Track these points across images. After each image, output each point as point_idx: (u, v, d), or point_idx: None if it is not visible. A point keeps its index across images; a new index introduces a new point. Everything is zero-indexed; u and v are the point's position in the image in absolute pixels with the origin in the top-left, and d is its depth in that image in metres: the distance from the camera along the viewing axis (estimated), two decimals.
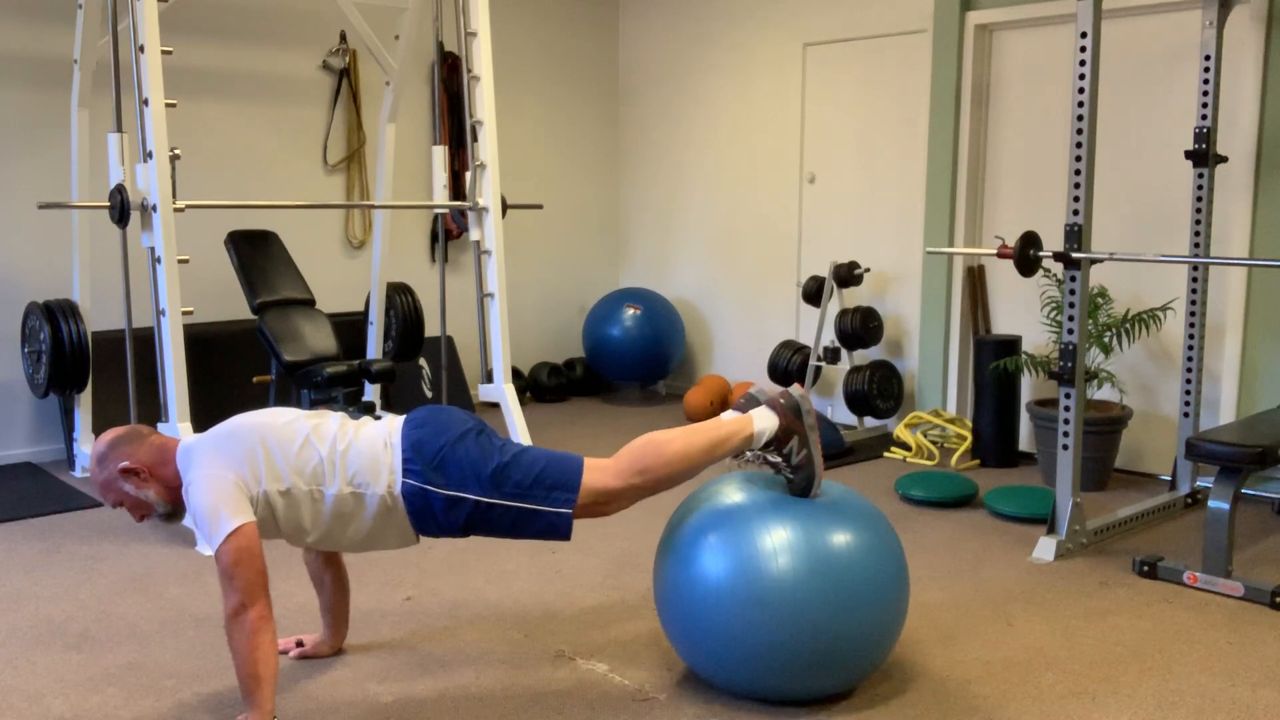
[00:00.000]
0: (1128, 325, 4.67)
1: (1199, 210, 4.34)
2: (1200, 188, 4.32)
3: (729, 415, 2.77)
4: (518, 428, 4.91)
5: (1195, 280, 4.42)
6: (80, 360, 4.73)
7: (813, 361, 5.81)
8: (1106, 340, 4.71)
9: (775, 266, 6.41)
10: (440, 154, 5.22)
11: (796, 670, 2.62)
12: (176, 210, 4.02)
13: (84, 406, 4.93)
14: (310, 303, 5.11)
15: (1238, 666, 2.97)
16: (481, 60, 4.92)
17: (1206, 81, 4.28)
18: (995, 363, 5.01)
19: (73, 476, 4.97)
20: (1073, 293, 3.82)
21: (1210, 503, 3.53)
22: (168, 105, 4.00)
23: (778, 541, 2.58)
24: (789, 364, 5.93)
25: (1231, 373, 4.67)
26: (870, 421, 5.86)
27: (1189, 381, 4.46)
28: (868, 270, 5.80)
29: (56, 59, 5.14)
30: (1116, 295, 4.85)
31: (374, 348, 5.62)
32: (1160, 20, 4.85)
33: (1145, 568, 3.65)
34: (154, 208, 4.00)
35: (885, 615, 2.67)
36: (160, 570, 3.73)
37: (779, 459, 2.74)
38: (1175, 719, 2.68)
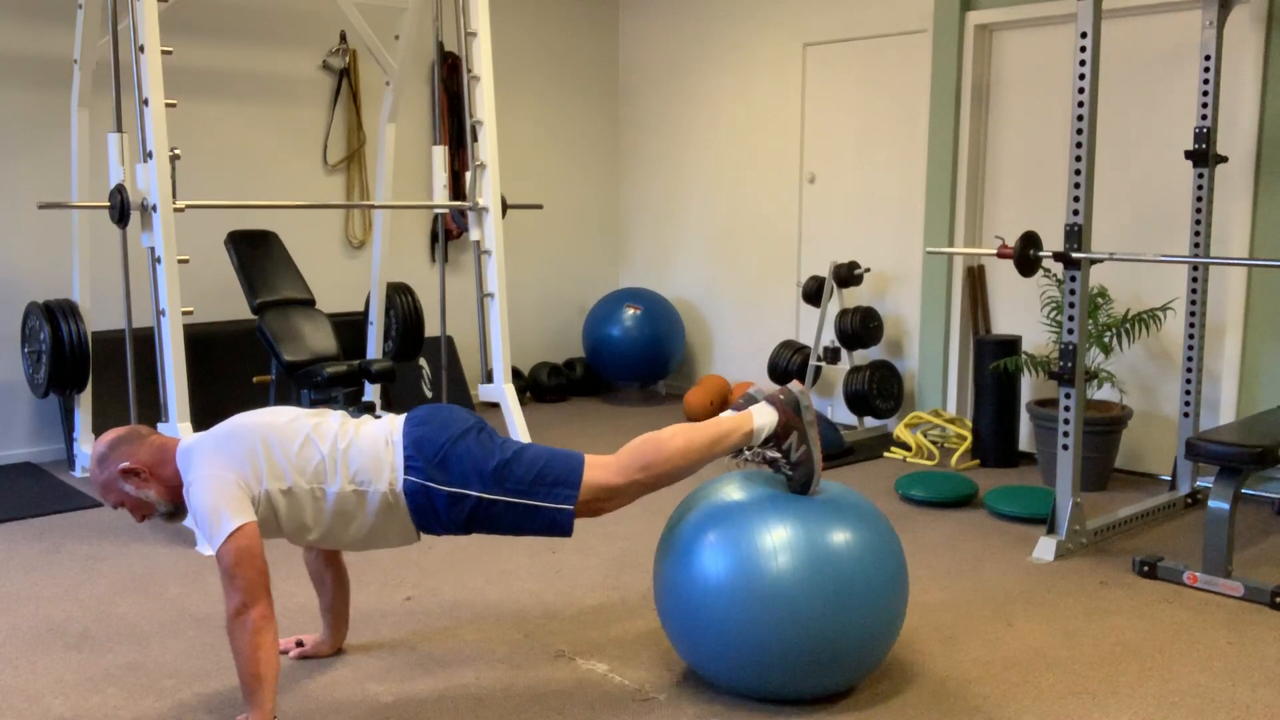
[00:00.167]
0: (1128, 325, 4.67)
1: (1199, 210, 4.34)
2: (1200, 188, 4.32)
3: (728, 414, 2.77)
4: (518, 428, 4.91)
5: (1195, 280, 4.42)
6: (80, 360, 4.73)
7: (813, 361, 5.81)
8: (1106, 340, 4.71)
9: (775, 266, 6.41)
10: (440, 154, 5.22)
11: (796, 669, 2.62)
12: (176, 210, 4.02)
13: (84, 406, 4.93)
14: (310, 303, 5.11)
15: (1238, 666, 2.97)
16: (481, 60, 4.92)
17: (1206, 81, 4.28)
18: (995, 363, 5.01)
19: (73, 476, 4.97)
20: (1073, 293, 3.82)
21: (1210, 503, 3.53)
22: (168, 105, 4.00)
23: (777, 540, 2.58)
24: (789, 364, 5.93)
25: (1231, 373, 4.67)
26: (870, 421, 5.86)
27: (1189, 381, 4.46)
28: (868, 270, 5.80)
29: (56, 59, 5.14)
30: (1116, 295, 4.85)
31: (374, 348, 5.62)
32: (1160, 20, 4.85)
33: (1145, 568, 3.65)
34: (154, 208, 4.00)
35: (885, 614, 2.67)
36: (160, 570, 3.73)
37: (778, 454, 2.74)
38: (1175, 719, 2.68)
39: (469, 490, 2.60)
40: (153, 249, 4.06)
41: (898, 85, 5.74)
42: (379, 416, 2.81)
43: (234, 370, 5.40)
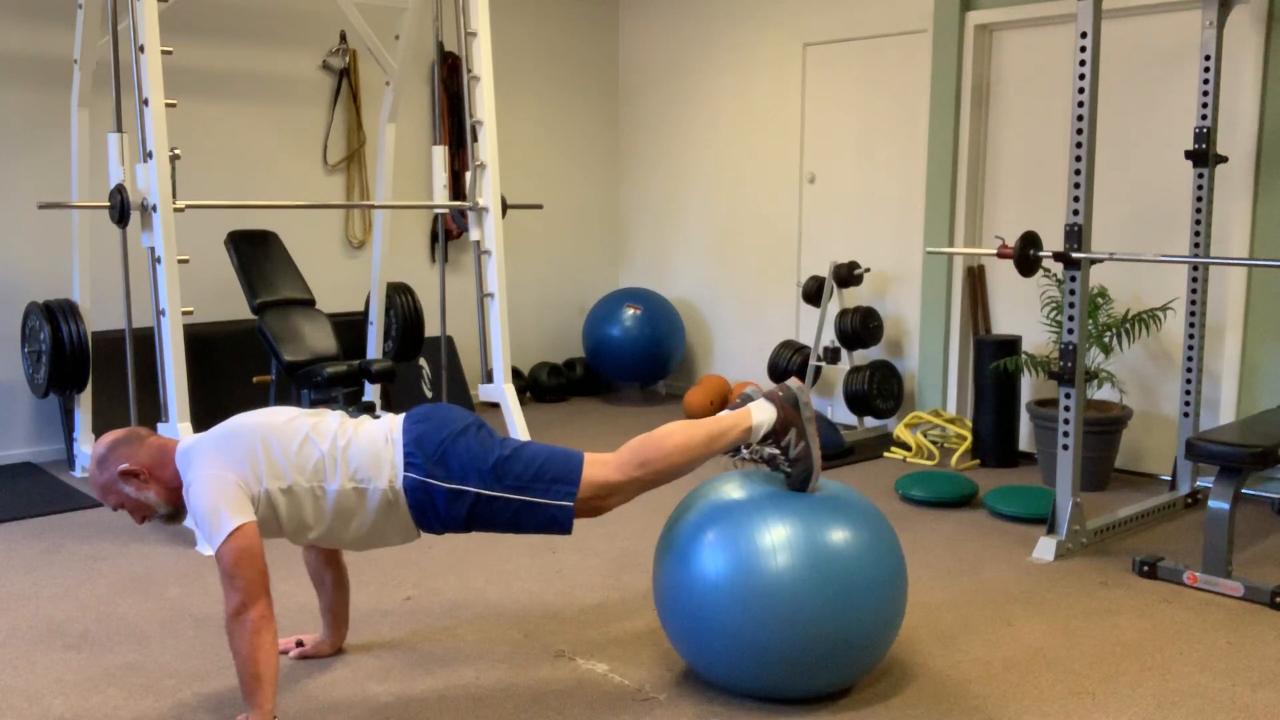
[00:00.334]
0: (1128, 325, 4.67)
1: (1199, 210, 4.34)
2: (1200, 188, 4.32)
3: (726, 412, 2.77)
4: (518, 427, 4.91)
5: (1195, 280, 4.42)
6: (80, 360, 4.73)
7: (813, 361, 5.81)
8: (1106, 340, 4.71)
9: (775, 266, 6.41)
10: (440, 154, 5.22)
11: (796, 667, 2.62)
12: (176, 210, 4.02)
13: (84, 406, 4.93)
14: (310, 303, 5.11)
15: (1238, 666, 2.97)
16: (481, 60, 4.92)
17: (1206, 81, 4.28)
18: (995, 363, 5.01)
19: (73, 476, 4.97)
20: (1073, 293, 3.82)
21: (1210, 503, 3.53)
22: (168, 105, 4.00)
23: (777, 539, 2.58)
24: (789, 364, 5.93)
25: (1231, 373, 4.67)
26: (870, 421, 5.86)
27: (1189, 381, 4.46)
28: (868, 270, 5.80)
29: (56, 59, 5.14)
30: (1116, 295, 4.85)
31: (374, 348, 5.62)
32: (1160, 20, 4.85)
33: (1145, 568, 3.65)
34: (154, 208, 4.00)
35: (884, 612, 2.67)
36: (160, 570, 3.73)
37: (776, 451, 2.74)
38: (1175, 719, 2.68)
39: (468, 486, 2.61)
40: (153, 249, 4.06)
41: (898, 85, 5.74)
42: (378, 417, 2.81)
43: (234, 370, 5.40)
